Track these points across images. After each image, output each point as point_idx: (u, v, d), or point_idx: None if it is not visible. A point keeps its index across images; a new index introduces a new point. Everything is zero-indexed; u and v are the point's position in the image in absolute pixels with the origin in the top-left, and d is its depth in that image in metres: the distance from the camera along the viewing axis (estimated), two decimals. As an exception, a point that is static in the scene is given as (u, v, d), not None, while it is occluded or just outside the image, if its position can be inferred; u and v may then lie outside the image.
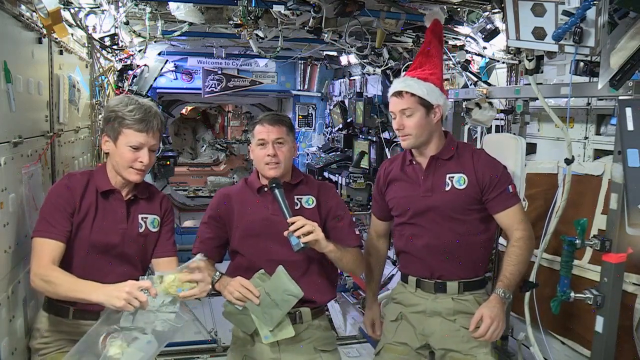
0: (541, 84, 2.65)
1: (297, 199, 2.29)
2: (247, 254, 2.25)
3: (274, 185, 2.16)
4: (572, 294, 2.29)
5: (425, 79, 2.24)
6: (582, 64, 2.01)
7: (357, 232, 2.36)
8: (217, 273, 2.20)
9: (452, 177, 2.24)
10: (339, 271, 2.41)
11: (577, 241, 2.34)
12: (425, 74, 2.25)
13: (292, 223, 2.04)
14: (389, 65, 4.33)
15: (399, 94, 2.23)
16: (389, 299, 3.32)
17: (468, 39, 3.25)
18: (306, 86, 7.05)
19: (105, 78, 3.93)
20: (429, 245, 2.26)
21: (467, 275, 2.28)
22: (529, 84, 2.42)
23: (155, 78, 4.95)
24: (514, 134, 2.94)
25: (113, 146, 2.03)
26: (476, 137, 3.69)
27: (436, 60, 2.31)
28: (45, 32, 2.43)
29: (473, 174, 2.22)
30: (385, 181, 2.41)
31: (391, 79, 4.50)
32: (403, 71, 4.07)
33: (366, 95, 5.35)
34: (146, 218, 2.13)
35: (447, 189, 2.23)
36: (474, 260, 2.29)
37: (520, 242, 2.18)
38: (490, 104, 3.04)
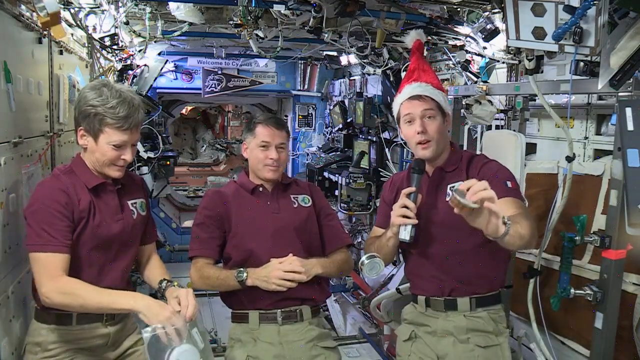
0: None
1: (294, 197, 2.37)
2: (248, 252, 2.24)
3: (417, 168, 2.06)
4: (572, 291, 2.30)
5: (437, 86, 2.15)
6: (582, 64, 2.01)
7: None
8: (242, 271, 2.17)
9: (453, 186, 2.07)
10: None
11: (577, 237, 2.35)
12: (436, 82, 2.16)
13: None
14: (389, 65, 4.34)
15: (418, 97, 2.10)
16: (389, 301, 3.34)
17: (468, 39, 3.25)
18: (306, 86, 7.04)
19: (105, 78, 3.94)
20: (438, 260, 2.11)
21: (480, 290, 2.11)
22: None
23: (155, 78, 4.95)
24: (514, 130, 2.94)
25: (93, 143, 1.93)
26: (476, 137, 3.68)
27: (432, 74, 2.23)
28: (45, 32, 2.43)
29: (472, 177, 2.04)
30: (393, 190, 2.28)
31: (391, 79, 4.49)
32: (403, 71, 4.09)
33: (366, 95, 5.35)
34: (135, 203, 2.10)
35: (448, 199, 2.00)
36: (487, 274, 2.12)
37: (519, 218, 1.79)
38: (490, 102, 3.04)
